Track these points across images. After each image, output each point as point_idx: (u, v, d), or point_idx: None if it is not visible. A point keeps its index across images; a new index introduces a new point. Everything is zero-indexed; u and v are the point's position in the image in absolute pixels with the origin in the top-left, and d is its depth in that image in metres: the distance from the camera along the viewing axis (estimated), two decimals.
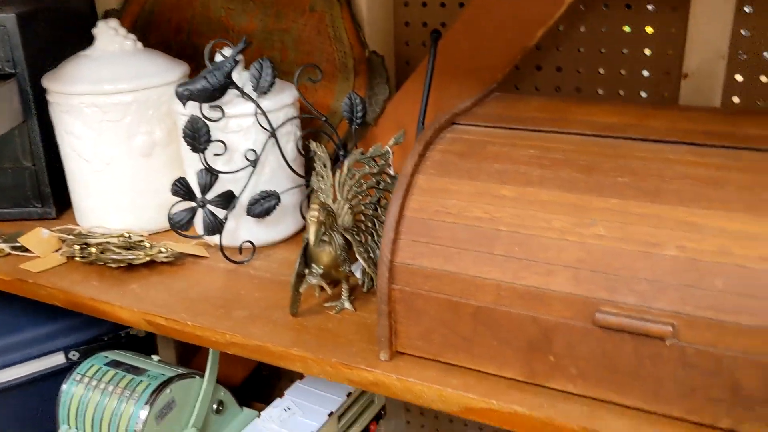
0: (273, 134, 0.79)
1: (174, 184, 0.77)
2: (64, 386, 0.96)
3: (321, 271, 0.68)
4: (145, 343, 1.11)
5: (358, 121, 0.84)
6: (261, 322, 0.69)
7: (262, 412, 0.95)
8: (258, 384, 1.25)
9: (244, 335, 0.67)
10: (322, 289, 0.72)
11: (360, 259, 0.69)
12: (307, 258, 0.68)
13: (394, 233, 0.60)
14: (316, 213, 0.64)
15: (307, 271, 0.68)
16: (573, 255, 0.54)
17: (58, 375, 1.02)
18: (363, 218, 0.74)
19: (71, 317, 1.05)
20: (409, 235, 0.60)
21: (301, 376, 1.02)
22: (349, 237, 0.68)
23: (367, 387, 0.62)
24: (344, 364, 0.63)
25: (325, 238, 0.66)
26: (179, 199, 0.78)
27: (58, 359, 1.04)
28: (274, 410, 0.96)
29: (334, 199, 0.71)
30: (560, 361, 0.56)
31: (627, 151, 0.59)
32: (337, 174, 0.72)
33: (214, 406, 1.02)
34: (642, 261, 0.52)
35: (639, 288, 0.52)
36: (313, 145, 0.76)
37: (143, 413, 0.91)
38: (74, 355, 1.04)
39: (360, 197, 0.73)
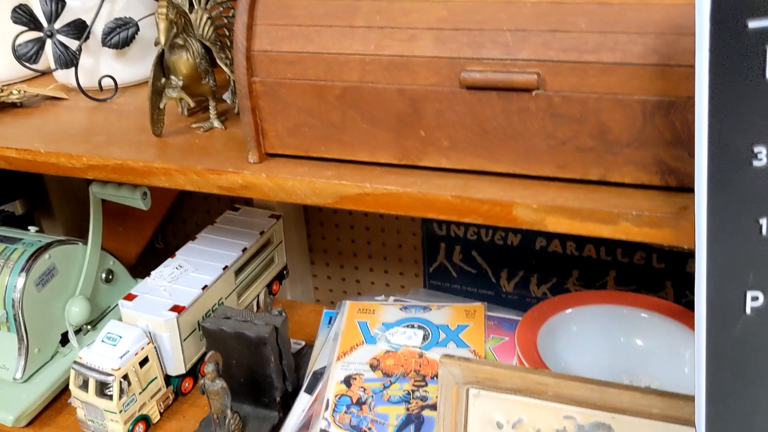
0: None
1: (14, 11, 0.70)
2: None
3: (181, 82, 0.63)
4: (22, 221, 1.04)
5: None
6: (122, 144, 0.64)
7: (152, 272, 0.91)
8: (153, 259, 1.20)
9: (103, 156, 0.62)
10: (187, 109, 0.67)
11: (222, 66, 0.64)
12: (164, 68, 0.63)
13: (248, 17, 0.55)
14: (164, 10, 0.58)
15: (165, 81, 0.63)
16: (435, 15, 0.51)
17: None
18: (227, 33, 0.69)
19: None
20: (266, 18, 0.55)
21: (193, 237, 0.98)
22: (208, 44, 0.63)
23: (238, 191, 0.59)
24: (211, 170, 0.59)
25: (180, 41, 0.61)
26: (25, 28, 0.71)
27: None
28: (165, 269, 0.92)
29: (191, 8, 0.66)
30: (431, 134, 0.54)
31: None
32: None
33: (103, 275, 0.97)
34: (504, 11, 0.50)
35: (502, 40, 0.50)
36: None
37: (20, 280, 0.86)
38: None
39: (222, 9, 0.67)
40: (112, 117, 0.71)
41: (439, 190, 0.53)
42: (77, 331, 0.94)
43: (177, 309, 0.84)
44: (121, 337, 0.82)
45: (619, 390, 0.61)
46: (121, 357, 0.80)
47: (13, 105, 0.74)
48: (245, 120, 0.57)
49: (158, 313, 0.84)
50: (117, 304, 0.99)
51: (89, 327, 0.95)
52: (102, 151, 0.63)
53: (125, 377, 0.80)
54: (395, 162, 0.56)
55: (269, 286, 1.03)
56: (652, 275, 0.92)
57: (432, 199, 0.53)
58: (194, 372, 0.89)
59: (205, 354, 0.91)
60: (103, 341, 0.82)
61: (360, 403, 0.80)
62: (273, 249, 1.03)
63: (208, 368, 0.77)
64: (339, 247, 1.18)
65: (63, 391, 0.90)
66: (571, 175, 0.52)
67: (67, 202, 1.21)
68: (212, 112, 0.67)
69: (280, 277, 1.05)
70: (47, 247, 0.88)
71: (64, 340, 0.92)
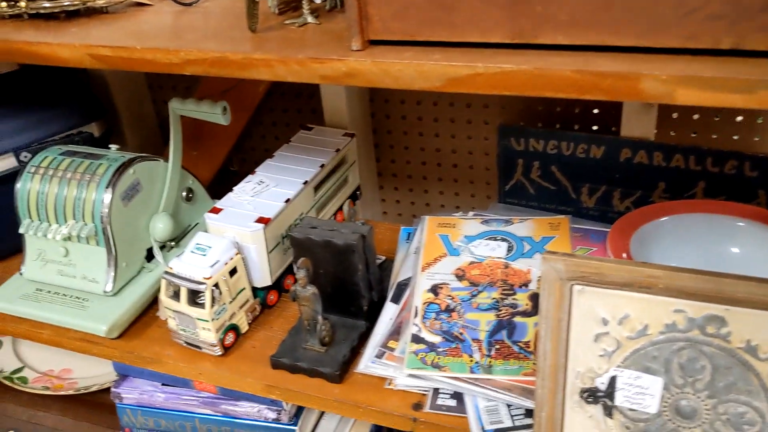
0: None
1: None
2: (18, 184, 0.90)
3: None
4: (100, 143, 1.04)
5: None
6: (217, 40, 0.63)
7: (234, 187, 0.91)
8: (227, 183, 1.20)
9: (201, 49, 0.61)
10: (278, 8, 0.65)
11: None
12: None
13: None
14: None
15: None
16: None
17: (12, 179, 0.97)
18: None
19: (20, 117, 0.98)
20: None
21: (271, 155, 0.98)
22: None
23: (342, 80, 0.57)
24: (314, 59, 0.58)
25: None
26: None
27: (9, 162, 0.98)
28: (247, 184, 0.92)
29: None
30: (548, 9, 0.51)
31: None
32: None
33: (183, 194, 0.98)
34: None
35: None
36: None
37: (107, 196, 0.86)
38: (26, 156, 0.98)
39: None
40: (200, 18, 0.70)
41: (558, 66, 0.51)
42: (161, 248, 0.95)
43: (263, 221, 0.85)
44: (210, 247, 0.82)
45: (735, 280, 0.59)
46: (211, 266, 0.81)
47: (100, 11, 0.74)
48: (349, 3, 0.56)
49: (245, 225, 0.84)
50: (197, 223, 1.00)
51: (172, 244, 0.96)
52: (199, 46, 0.62)
53: (216, 286, 0.80)
54: (508, 41, 0.54)
55: (342, 206, 1.02)
56: (744, 184, 0.89)
57: (550, 76, 0.51)
58: (279, 285, 0.90)
59: (289, 267, 0.91)
60: (192, 252, 0.82)
61: (449, 310, 0.79)
62: (347, 168, 1.02)
63: (300, 274, 0.77)
64: (408, 170, 1.17)
65: (150, 307, 0.92)
66: (701, 45, 0.49)
67: (138, 129, 1.21)
68: (305, 7, 0.65)
69: (353, 197, 1.05)
70: (131, 162, 0.89)
71: (149, 256, 0.94)
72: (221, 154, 1.13)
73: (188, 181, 0.98)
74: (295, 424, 0.88)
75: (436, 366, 0.73)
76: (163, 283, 0.82)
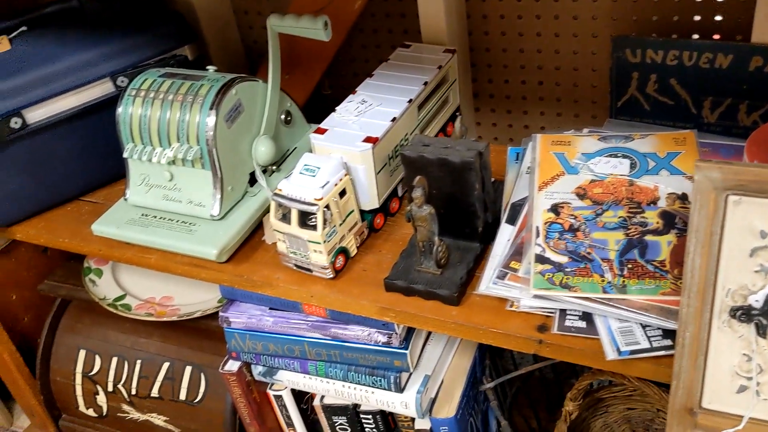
0: None
1: None
2: (119, 108, 0.89)
3: None
4: (193, 67, 1.02)
5: None
6: None
7: (337, 108, 0.88)
8: (320, 107, 1.17)
9: None
10: None
11: None
12: None
13: None
14: None
15: None
16: None
17: (111, 105, 0.96)
18: None
19: (114, 43, 0.96)
20: None
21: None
22: None
23: None
24: None
25: None
26: None
27: (106, 87, 0.96)
28: (350, 104, 0.89)
29: None
30: None
31: None
32: None
33: (282, 116, 0.95)
34: None
35: None
36: None
37: (211, 118, 0.84)
38: (123, 81, 0.96)
39: None
40: None
41: None
42: (262, 172, 0.93)
43: (370, 140, 0.81)
44: (319, 168, 0.80)
45: None
46: (322, 187, 0.78)
47: None
48: None
49: (353, 145, 0.81)
50: (296, 147, 0.98)
51: (273, 168, 0.94)
52: None
53: (327, 207, 0.78)
54: None
55: (443, 128, 0.98)
56: None
57: None
58: (385, 208, 0.87)
59: (394, 191, 0.88)
60: (301, 173, 0.80)
61: (573, 229, 0.75)
62: (449, 87, 0.97)
63: (416, 193, 0.74)
64: (507, 91, 1.11)
65: (254, 231, 0.90)
66: None
67: (225, 55, 1.18)
68: None
69: (453, 118, 1.00)
70: (232, 82, 0.86)
71: (251, 180, 0.92)
72: (314, 78, 1.09)
73: (286, 104, 0.95)
74: (405, 348, 0.86)
75: (565, 286, 0.70)
76: (273, 205, 0.80)
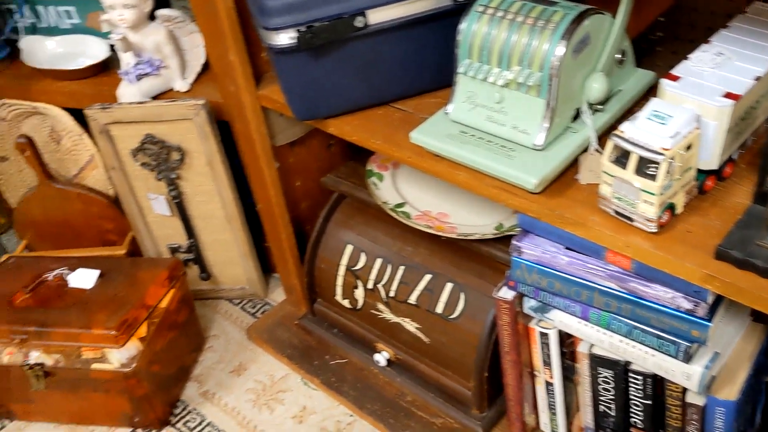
0: None
1: None
2: (462, 24, 0.90)
3: None
4: None
5: None
6: None
7: (690, 56, 0.83)
8: (643, 50, 1.11)
9: None
10: None
11: None
12: None
13: None
14: None
15: None
16: None
17: (442, 17, 0.97)
18: None
19: None
20: None
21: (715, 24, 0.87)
22: None
23: None
24: None
25: None
26: None
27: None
28: (704, 54, 0.83)
29: None
30: None
31: None
32: None
33: (618, 55, 0.91)
34: None
35: None
36: None
37: (560, 46, 0.82)
38: None
39: None
40: None
41: None
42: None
43: (732, 96, 0.76)
44: (671, 116, 0.76)
45: None
46: (671, 137, 0.74)
47: None
48: None
49: (711, 98, 0.76)
50: (620, 90, 0.94)
51: (597, 107, 0.91)
52: None
53: (673, 159, 0.74)
54: None
55: None
56: None
57: None
58: (719, 171, 0.82)
59: (731, 155, 0.82)
60: (648, 118, 0.77)
61: None
62: None
63: None
64: None
65: (566, 168, 0.89)
66: None
67: None
68: None
69: None
70: (585, 14, 0.83)
71: (575, 116, 0.90)
72: (648, 19, 1.03)
73: (624, 43, 0.91)
74: (709, 320, 0.82)
75: None
76: (610, 145, 0.78)
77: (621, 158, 0.77)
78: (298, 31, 0.93)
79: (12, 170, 1.54)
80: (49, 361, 1.22)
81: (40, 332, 1.20)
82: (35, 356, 1.22)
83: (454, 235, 1.09)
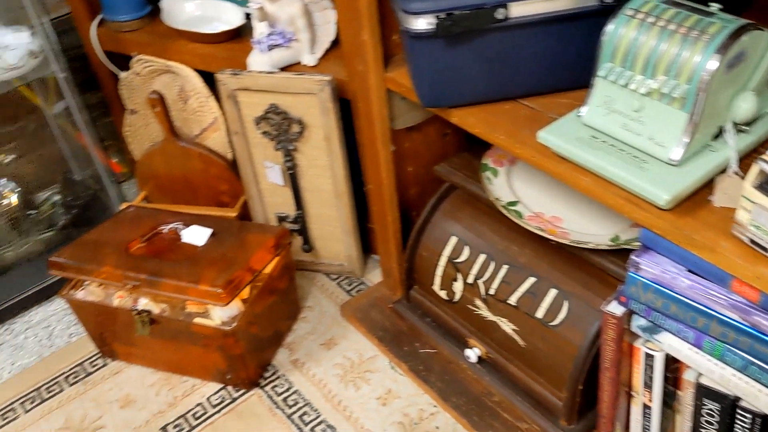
0: None
1: None
2: (609, 26, 0.87)
3: None
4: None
5: None
6: None
7: None
8: None
9: None
10: None
11: None
12: None
13: None
14: None
15: None
16: None
17: (585, 17, 0.94)
18: None
19: None
20: None
21: None
22: None
23: None
24: None
25: None
26: None
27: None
28: None
29: None
30: None
31: None
32: None
33: None
34: None
35: None
36: None
37: (713, 61, 0.78)
38: None
39: None
40: None
41: None
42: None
43: None
44: None
45: None
46: None
47: None
48: None
49: None
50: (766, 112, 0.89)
51: (742, 127, 0.86)
52: None
53: None
54: None
55: None
56: None
57: None
58: None
59: None
60: None
61: None
62: None
63: None
64: None
65: (701, 188, 0.85)
66: None
67: None
68: None
69: None
70: (744, 28, 0.79)
71: (716, 134, 0.85)
72: None
73: None
74: None
75: None
76: (755, 170, 0.74)
77: (765, 185, 0.73)
78: (438, 17, 0.93)
79: (139, 123, 1.62)
80: (156, 309, 1.28)
81: (150, 281, 1.26)
82: (143, 303, 1.29)
83: (566, 241, 1.06)
